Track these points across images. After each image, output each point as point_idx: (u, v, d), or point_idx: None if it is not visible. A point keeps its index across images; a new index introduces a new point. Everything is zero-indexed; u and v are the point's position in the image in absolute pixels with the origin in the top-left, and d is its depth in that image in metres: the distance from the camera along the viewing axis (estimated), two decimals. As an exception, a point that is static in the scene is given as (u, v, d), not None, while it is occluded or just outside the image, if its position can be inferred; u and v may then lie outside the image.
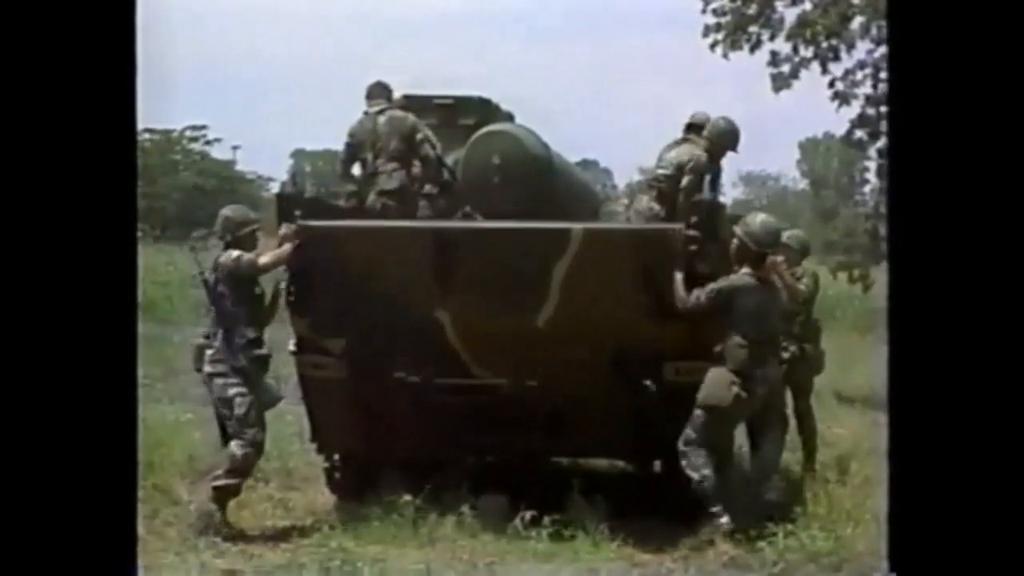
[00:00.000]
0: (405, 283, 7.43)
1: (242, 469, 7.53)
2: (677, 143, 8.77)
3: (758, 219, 7.62)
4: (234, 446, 7.51)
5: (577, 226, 7.43)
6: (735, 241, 7.51)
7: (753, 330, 7.37)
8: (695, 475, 7.32)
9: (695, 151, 8.60)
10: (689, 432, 7.36)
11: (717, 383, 7.34)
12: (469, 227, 7.78)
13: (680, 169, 8.50)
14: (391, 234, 7.73)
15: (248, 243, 7.70)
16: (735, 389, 7.33)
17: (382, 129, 8.60)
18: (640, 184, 9.22)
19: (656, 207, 8.38)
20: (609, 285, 7.28)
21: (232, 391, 7.52)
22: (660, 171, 8.61)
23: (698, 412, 7.36)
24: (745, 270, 7.46)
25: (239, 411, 7.50)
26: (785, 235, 10.25)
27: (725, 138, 8.74)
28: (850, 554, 6.96)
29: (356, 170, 8.75)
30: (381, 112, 8.66)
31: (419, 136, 8.57)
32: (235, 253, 7.56)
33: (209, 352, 7.62)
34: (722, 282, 7.36)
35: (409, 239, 7.62)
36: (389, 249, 7.52)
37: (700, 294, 7.31)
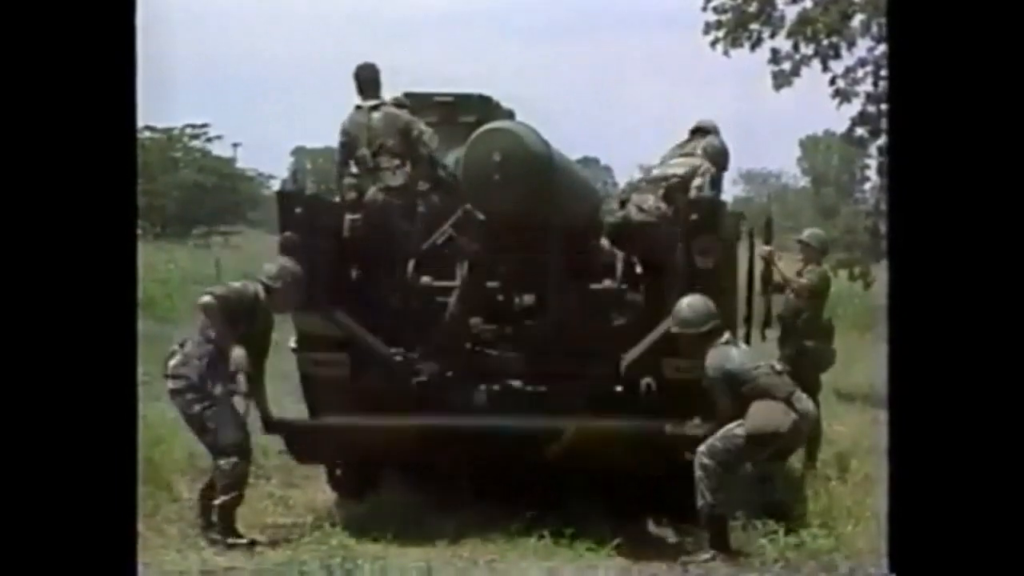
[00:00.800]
0: (396, 450, 7.71)
1: (236, 482, 7.34)
2: (685, 152, 8.75)
3: (684, 303, 7.38)
4: (221, 462, 7.33)
5: (571, 424, 7.37)
6: (679, 339, 7.35)
7: (768, 364, 7.31)
8: (707, 497, 7.01)
9: (705, 161, 8.62)
10: (717, 445, 7.03)
11: (771, 411, 7.08)
12: (456, 425, 7.68)
13: (693, 172, 8.50)
14: (375, 432, 7.70)
15: (282, 299, 7.60)
16: (792, 416, 7.16)
17: (376, 125, 8.58)
18: (641, 183, 9.13)
19: (663, 206, 8.36)
20: (607, 459, 7.37)
21: (197, 408, 7.33)
22: (671, 171, 8.59)
23: (739, 438, 7.04)
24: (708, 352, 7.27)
25: (210, 425, 7.31)
26: (805, 233, 10.33)
27: (719, 157, 8.80)
28: (850, 551, 6.95)
29: (353, 168, 8.73)
30: (375, 108, 8.65)
31: (415, 133, 8.57)
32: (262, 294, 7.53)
33: (171, 363, 7.43)
34: (709, 376, 7.17)
35: (394, 436, 7.63)
36: (373, 442, 7.69)
37: (724, 410, 7.13)
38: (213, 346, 7.38)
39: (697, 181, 8.44)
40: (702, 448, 7.05)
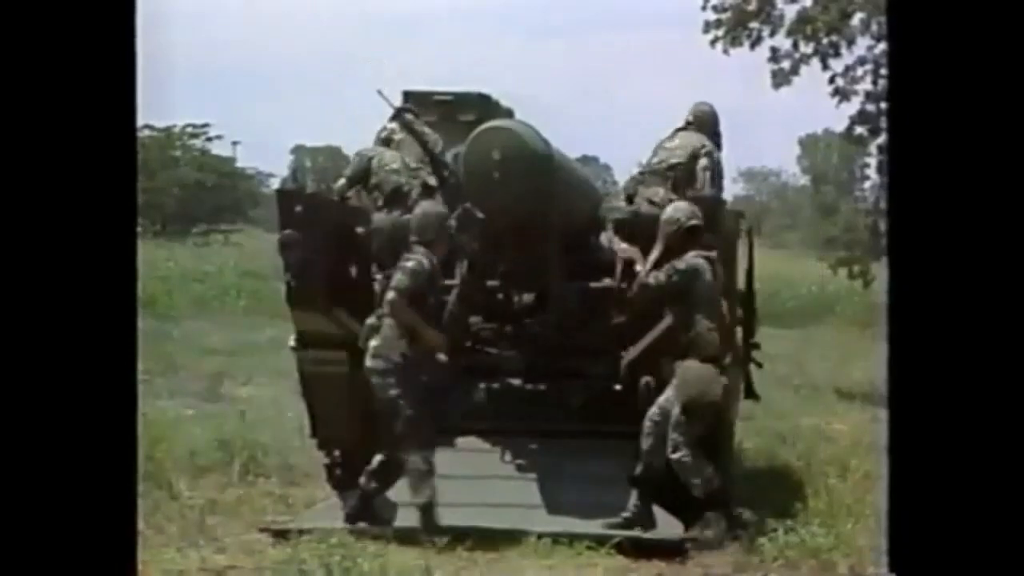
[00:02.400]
0: None
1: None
2: (676, 134, 8.76)
3: (671, 207, 7.63)
4: (414, 459, 7.19)
5: None
6: (668, 239, 7.45)
7: (713, 314, 7.31)
8: (697, 480, 7.13)
9: (701, 138, 8.62)
10: (676, 438, 7.15)
11: (702, 379, 7.19)
12: None
13: (694, 156, 8.51)
14: None
15: (443, 244, 7.53)
16: (723, 380, 7.23)
17: (405, 140, 8.79)
18: (644, 176, 9.09)
19: (674, 197, 8.37)
20: None
21: (393, 392, 7.22)
22: (674, 159, 8.59)
23: (680, 416, 7.15)
24: (692, 252, 7.37)
25: (407, 412, 7.17)
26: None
27: (709, 118, 8.79)
28: (850, 550, 6.95)
29: (394, 164, 8.80)
30: (390, 139, 8.82)
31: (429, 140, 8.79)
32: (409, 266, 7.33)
33: (373, 343, 7.32)
34: (676, 271, 7.30)
35: None
36: None
37: (658, 274, 7.29)
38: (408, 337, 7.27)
39: (702, 162, 8.46)
40: (669, 453, 7.15)
